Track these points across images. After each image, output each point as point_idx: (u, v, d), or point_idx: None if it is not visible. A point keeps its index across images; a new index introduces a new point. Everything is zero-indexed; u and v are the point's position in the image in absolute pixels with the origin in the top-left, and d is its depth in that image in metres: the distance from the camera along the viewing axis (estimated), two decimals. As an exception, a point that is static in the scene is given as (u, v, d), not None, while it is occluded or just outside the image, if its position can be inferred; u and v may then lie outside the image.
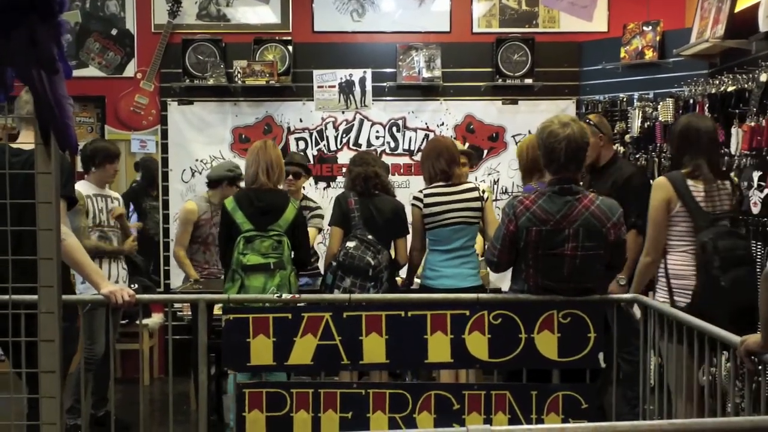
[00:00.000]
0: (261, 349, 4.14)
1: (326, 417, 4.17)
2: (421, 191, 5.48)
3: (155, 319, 7.65)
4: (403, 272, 5.75)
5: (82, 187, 5.91)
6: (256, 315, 4.16)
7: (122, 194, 7.80)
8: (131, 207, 8.14)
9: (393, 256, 5.49)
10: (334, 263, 5.23)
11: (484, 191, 5.59)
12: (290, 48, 7.69)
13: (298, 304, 4.32)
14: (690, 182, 4.43)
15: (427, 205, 5.37)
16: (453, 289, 5.15)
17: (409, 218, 5.56)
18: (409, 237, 5.55)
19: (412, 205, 5.47)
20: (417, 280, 5.65)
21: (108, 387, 6.20)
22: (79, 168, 7.75)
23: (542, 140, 4.06)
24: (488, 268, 4.29)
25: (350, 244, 5.25)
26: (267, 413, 4.17)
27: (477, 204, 5.44)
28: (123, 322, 7.27)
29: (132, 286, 6.91)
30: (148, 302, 5.08)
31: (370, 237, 5.30)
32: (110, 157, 6.06)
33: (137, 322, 7.29)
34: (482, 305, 4.17)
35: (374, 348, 4.15)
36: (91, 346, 5.90)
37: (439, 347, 4.16)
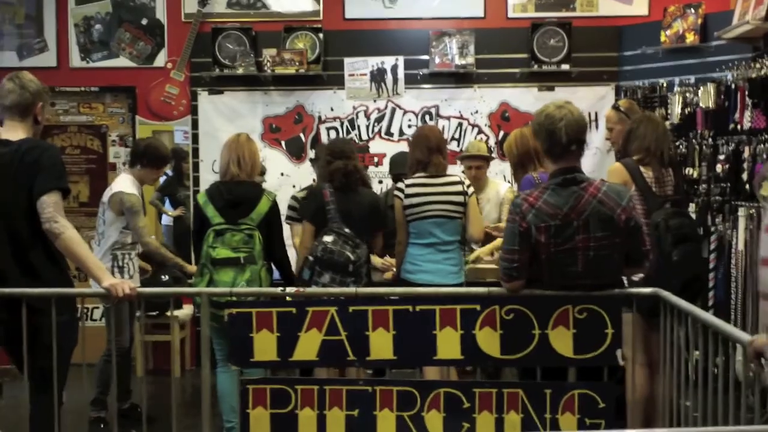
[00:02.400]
0: (265, 345, 4.01)
1: (332, 414, 4.02)
2: (403, 182, 5.32)
3: (186, 310, 7.59)
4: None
5: (134, 189, 5.83)
6: (259, 309, 4.03)
7: (158, 188, 7.84)
8: (166, 200, 8.16)
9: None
10: (311, 258, 5.05)
11: (469, 186, 5.37)
12: (321, 36, 7.56)
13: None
14: (642, 168, 4.87)
15: (408, 196, 5.20)
16: (433, 285, 4.98)
17: None
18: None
19: (395, 196, 5.30)
20: None
21: (130, 379, 6.20)
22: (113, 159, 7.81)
23: (540, 125, 3.85)
24: (506, 284, 4.03)
25: (327, 238, 5.07)
26: (271, 410, 4.03)
27: (459, 198, 5.24)
28: (153, 314, 7.25)
29: (162, 277, 6.89)
30: (149, 296, 4.99)
31: (347, 231, 5.12)
32: (159, 162, 6.06)
33: (167, 313, 7.30)
34: (494, 300, 3.97)
35: (381, 343, 3.99)
36: (118, 338, 5.85)
37: (448, 343, 3.98)
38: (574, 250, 3.77)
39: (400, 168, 6.07)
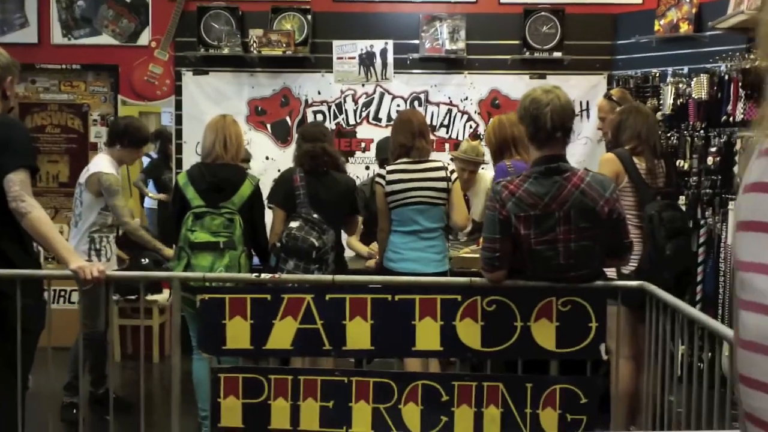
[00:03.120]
0: (237, 332, 3.88)
1: (306, 405, 3.90)
2: (384, 168, 5.20)
3: (165, 295, 7.45)
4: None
5: (113, 169, 5.69)
6: (232, 295, 3.90)
7: (143, 170, 7.69)
8: (150, 183, 8.04)
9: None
10: (278, 244, 4.91)
11: (453, 171, 5.25)
12: (309, 17, 7.40)
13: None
14: (635, 159, 4.75)
15: (389, 182, 5.07)
16: (415, 274, 4.85)
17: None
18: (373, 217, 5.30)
19: (376, 183, 5.18)
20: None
21: (106, 364, 6.06)
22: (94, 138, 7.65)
23: (526, 109, 3.73)
24: (487, 275, 3.89)
25: (294, 224, 4.92)
26: (243, 400, 3.91)
27: (442, 184, 5.10)
28: (132, 297, 7.11)
29: (143, 260, 6.75)
30: (120, 279, 4.84)
31: (315, 216, 4.98)
32: (140, 142, 5.90)
33: (147, 297, 7.17)
34: (475, 290, 3.85)
35: (358, 333, 3.88)
36: (92, 322, 5.71)
37: (427, 334, 3.86)
38: (555, 242, 3.65)
39: (386, 153, 5.95)
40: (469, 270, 5.18)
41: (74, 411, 5.73)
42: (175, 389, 4.02)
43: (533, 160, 3.77)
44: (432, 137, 7.39)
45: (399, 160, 5.12)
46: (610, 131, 5.08)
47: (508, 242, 3.71)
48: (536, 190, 3.65)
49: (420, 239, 5.07)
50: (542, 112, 3.65)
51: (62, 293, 7.44)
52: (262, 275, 4.10)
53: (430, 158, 5.21)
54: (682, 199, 6.29)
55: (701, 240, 6.22)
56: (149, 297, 7.18)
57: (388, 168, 5.11)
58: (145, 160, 9.34)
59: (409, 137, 5.11)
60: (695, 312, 3.51)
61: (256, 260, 5.18)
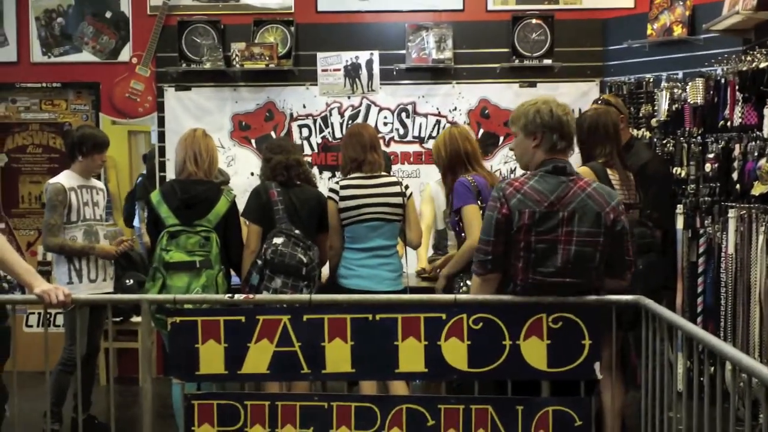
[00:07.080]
0: (211, 356, 3.69)
1: (284, 433, 3.71)
2: (337, 182, 5.02)
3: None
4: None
5: (65, 180, 5.50)
6: (205, 318, 3.71)
7: (136, 197, 7.50)
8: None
9: None
10: (260, 261, 4.71)
11: (407, 187, 5.07)
12: (292, 29, 7.23)
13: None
14: (608, 171, 4.63)
15: (342, 198, 4.89)
16: (367, 292, 4.69)
17: None
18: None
19: (328, 197, 4.99)
20: None
21: (91, 390, 5.86)
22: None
23: (551, 115, 3.58)
24: (475, 276, 3.70)
25: (278, 240, 4.72)
26: (218, 428, 3.72)
27: (397, 200, 4.95)
28: (117, 319, 6.92)
29: (127, 281, 6.54)
30: (84, 303, 4.65)
31: (297, 232, 4.80)
32: (99, 147, 5.66)
33: (132, 320, 6.98)
34: (461, 307, 3.66)
35: (338, 355, 3.68)
36: (70, 347, 5.52)
37: (411, 355, 3.67)
38: (556, 243, 3.48)
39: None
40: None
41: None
42: (147, 417, 3.82)
43: (539, 161, 3.63)
44: (420, 149, 7.26)
45: (352, 175, 4.96)
46: (577, 144, 4.89)
47: (501, 245, 3.54)
48: (542, 188, 3.52)
49: (374, 257, 4.92)
50: (565, 121, 3.60)
51: (47, 316, 7.24)
52: (236, 296, 3.89)
53: (383, 173, 5.07)
54: (679, 208, 6.11)
55: (701, 250, 6.03)
56: (134, 319, 6.98)
57: (341, 183, 4.96)
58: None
59: (360, 151, 4.97)
60: (694, 328, 3.31)
61: (235, 279, 4.99)
